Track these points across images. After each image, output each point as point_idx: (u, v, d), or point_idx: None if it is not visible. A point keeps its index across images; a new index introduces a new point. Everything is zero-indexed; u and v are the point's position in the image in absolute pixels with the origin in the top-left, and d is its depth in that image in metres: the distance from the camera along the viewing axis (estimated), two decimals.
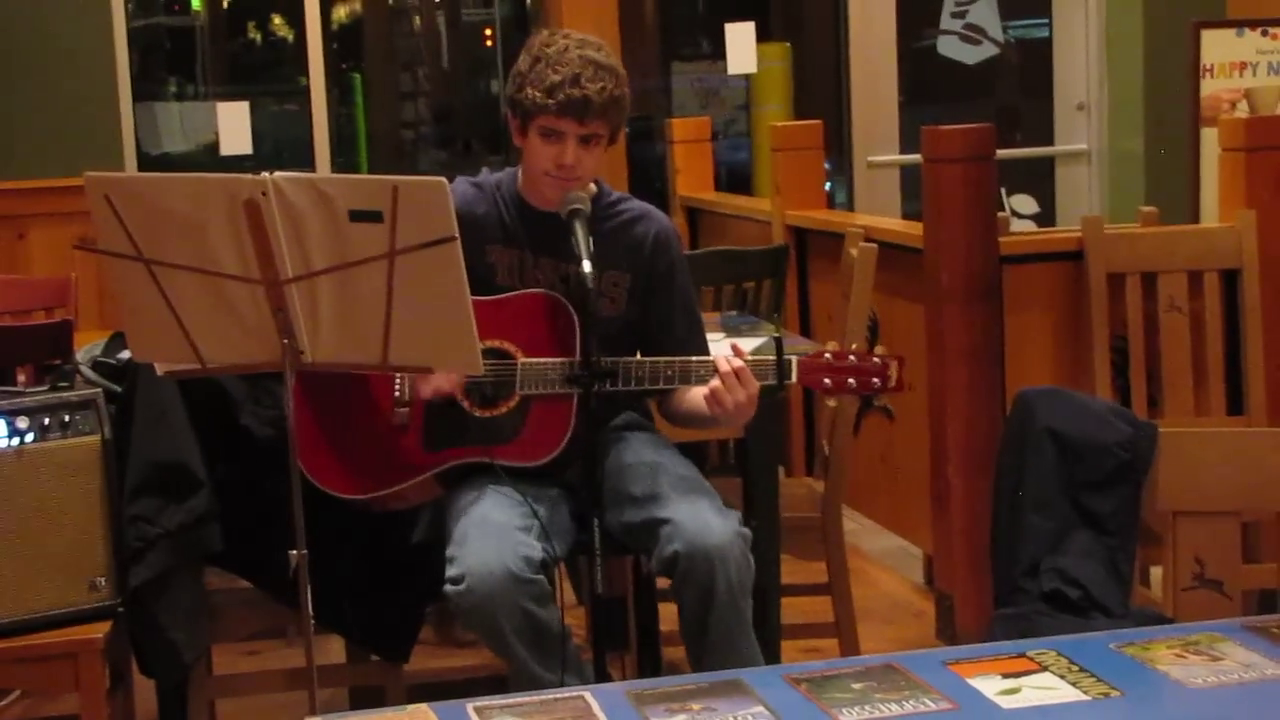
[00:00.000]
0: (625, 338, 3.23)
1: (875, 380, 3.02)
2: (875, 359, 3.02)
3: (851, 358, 3.02)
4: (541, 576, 2.96)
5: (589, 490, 2.94)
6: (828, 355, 3.02)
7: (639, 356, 3.16)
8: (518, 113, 3.14)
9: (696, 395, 3.15)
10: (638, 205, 3.31)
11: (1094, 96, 7.67)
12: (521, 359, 3.11)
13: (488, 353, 3.11)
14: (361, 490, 3.19)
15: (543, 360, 3.09)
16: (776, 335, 3.06)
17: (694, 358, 3.08)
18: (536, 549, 2.98)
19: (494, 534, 2.97)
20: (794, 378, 3.01)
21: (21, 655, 3.14)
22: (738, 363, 3.00)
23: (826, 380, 3.02)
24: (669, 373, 3.06)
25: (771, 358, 3.01)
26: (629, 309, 3.24)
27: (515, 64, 3.15)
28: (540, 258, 3.19)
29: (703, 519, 3.02)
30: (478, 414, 3.15)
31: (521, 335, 3.13)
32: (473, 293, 3.07)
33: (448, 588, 2.96)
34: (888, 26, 7.64)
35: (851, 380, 3.02)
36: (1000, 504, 3.24)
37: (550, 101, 3.06)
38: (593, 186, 3.24)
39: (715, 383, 3.00)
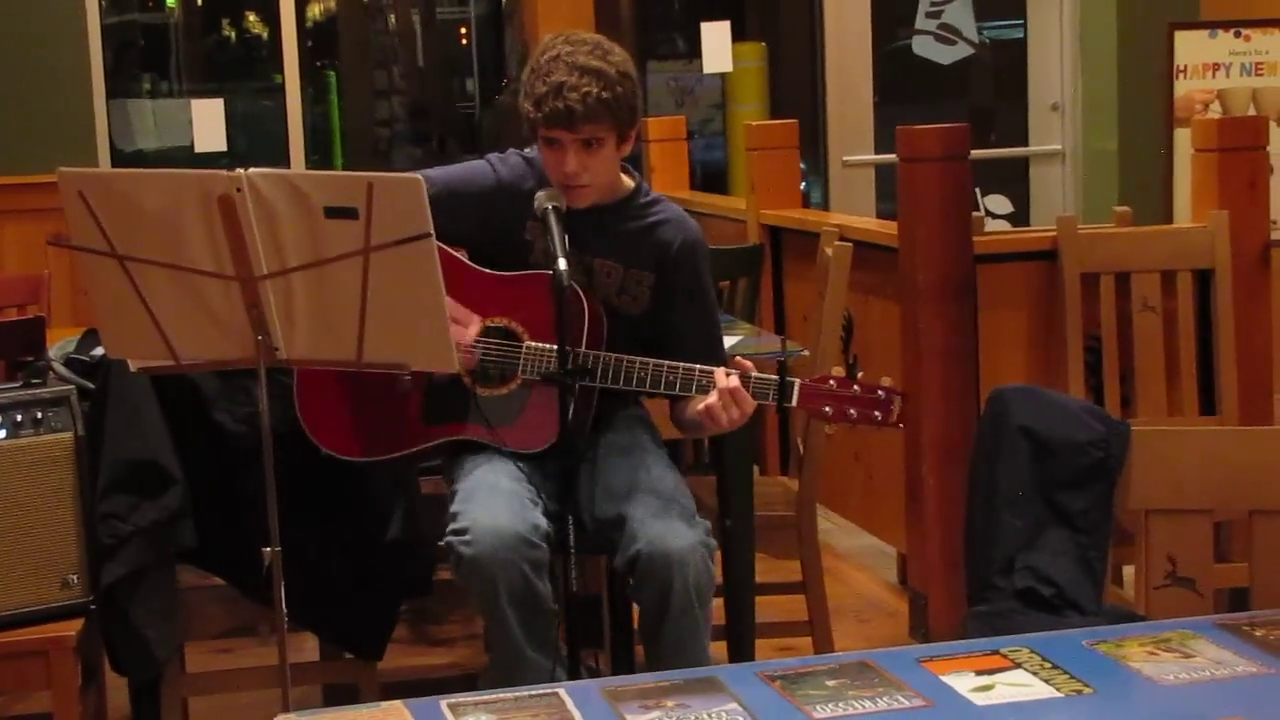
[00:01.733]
0: (648, 336, 3.23)
1: (877, 414, 3.00)
2: (880, 390, 3.00)
3: (856, 387, 2.99)
4: (545, 546, 2.97)
5: (566, 487, 2.95)
6: (831, 382, 3.00)
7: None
8: (525, 123, 3.16)
9: (696, 404, 3.16)
10: (670, 209, 3.29)
11: (1068, 97, 7.70)
12: (528, 342, 3.11)
13: (496, 331, 3.12)
14: (359, 453, 3.20)
15: (546, 346, 3.09)
16: (782, 359, 3.05)
17: (697, 366, 3.06)
18: (543, 521, 3.00)
19: (503, 496, 3.00)
20: (795, 401, 3.01)
21: None
22: (734, 382, 2.99)
23: (827, 408, 3.00)
24: (671, 378, 3.06)
25: (774, 378, 3.00)
26: (652, 308, 3.23)
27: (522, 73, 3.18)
28: (571, 247, 3.17)
29: (667, 523, 3.02)
30: (480, 392, 3.15)
31: (531, 317, 3.13)
32: (505, 267, 3.08)
33: (451, 538, 2.97)
34: (863, 26, 7.66)
35: (852, 411, 3.00)
36: (974, 502, 3.24)
37: (539, 114, 3.08)
38: (630, 182, 3.24)
39: (713, 399, 3.00)
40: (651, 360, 3.08)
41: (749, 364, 3.04)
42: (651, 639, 3.07)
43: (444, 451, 3.23)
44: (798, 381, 3.01)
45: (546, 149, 3.12)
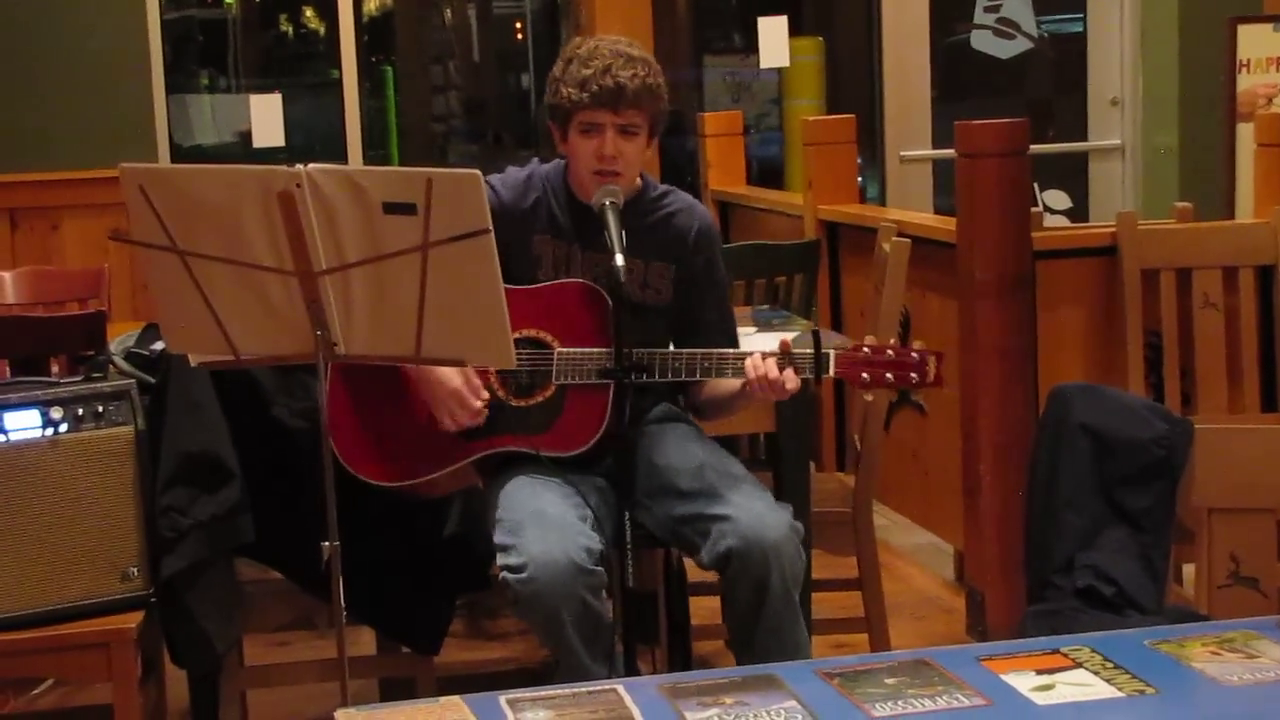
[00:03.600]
0: (669, 326, 3.26)
1: (913, 375, 3.02)
2: (913, 353, 3.01)
3: (889, 351, 3.02)
4: (601, 568, 2.95)
5: (622, 483, 2.94)
6: (866, 349, 3.03)
7: (673, 348, 3.17)
8: (557, 116, 3.17)
9: (721, 383, 3.16)
10: (681, 198, 3.33)
11: (1128, 91, 7.63)
12: (558, 348, 3.12)
13: (524, 342, 3.12)
14: (396, 478, 3.19)
15: (579, 350, 3.10)
16: (815, 329, 3.06)
17: (730, 350, 3.10)
18: (595, 540, 2.98)
19: (554, 524, 2.97)
20: (832, 371, 3.01)
21: (54, 644, 3.16)
22: (772, 367, 2.99)
23: (864, 375, 3.02)
24: (706, 364, 3.07)
25: (810, 351, 3.01)
26: (674, 300, 3.25)
27: (550, 72, 3.19)
28: (586, 251, 3.20)
29: (756, 514, 3.02)
30: (513, 403, 3.16)
31: (559, 325, 3.14)
32: (517, 283, 3.09)
33: (507, 575, 2.94)
34: (921, 21, 7.62)
35: (889, 375, 3.01)
36: (1034, 500, 3.23)
37: (584, 94, 3.09)
38: (637, 179, 3.25)
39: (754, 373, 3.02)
40: (685, 350, 3.10)
41: (788, 339, 3.07)
42: (746, 629, 3.06)
43: (480, 470, 3.22)
44: (833, 352, 3.02)
45: (582, 137, 3.14)
